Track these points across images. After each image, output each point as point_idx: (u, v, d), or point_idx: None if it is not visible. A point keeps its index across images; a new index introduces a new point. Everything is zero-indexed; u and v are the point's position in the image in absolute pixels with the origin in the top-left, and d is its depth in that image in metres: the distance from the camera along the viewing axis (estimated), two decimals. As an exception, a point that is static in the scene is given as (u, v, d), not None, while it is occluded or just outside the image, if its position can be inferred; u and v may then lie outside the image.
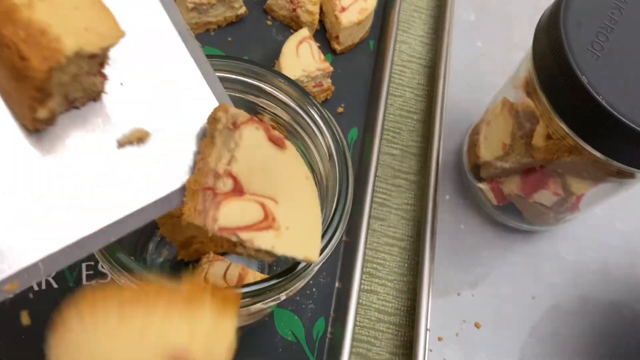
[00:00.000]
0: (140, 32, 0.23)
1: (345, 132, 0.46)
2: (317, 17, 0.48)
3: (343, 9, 0.47)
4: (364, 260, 0.41)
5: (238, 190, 0.24)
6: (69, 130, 0.22)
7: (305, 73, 0.43)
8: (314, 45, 0.45)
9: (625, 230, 0.46)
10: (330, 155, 0.28)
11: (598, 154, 0.31)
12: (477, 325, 0.41)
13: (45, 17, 0.19)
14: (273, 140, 0.24)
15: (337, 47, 0.49)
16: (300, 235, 0.24)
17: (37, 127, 0.21)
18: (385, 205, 0.45)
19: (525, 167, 0.38)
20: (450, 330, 0.40)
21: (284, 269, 0.25)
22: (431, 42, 0.53)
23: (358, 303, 0.39)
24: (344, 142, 0.28)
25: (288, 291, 0.25)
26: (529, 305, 0.42)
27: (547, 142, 0.34)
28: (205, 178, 0.23)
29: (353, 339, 0.38)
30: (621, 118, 0.28)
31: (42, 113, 0.20)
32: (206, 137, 0.24)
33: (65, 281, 0.37)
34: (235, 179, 0.24)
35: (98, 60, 0.21)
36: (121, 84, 0.23)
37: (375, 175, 0.44)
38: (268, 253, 0.23)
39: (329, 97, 0.47)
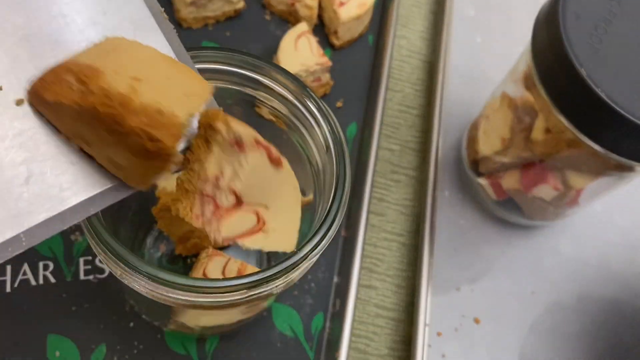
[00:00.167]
0: (115, 15, 0.24)
1: (344, 127, 0.46)
2: (315, 11, 0.48)
3: (342, 4, 0.46)
4: (362, 255, 0.40)
5: (238, 203, 0.27)
6: None
7: (303, 67, 0.43)
8: (313, 40, 0.45)
9: (625, 225, 0.45)
10: (328, 147, 0.28)
11: (597, 147, 0.31)
12: (476, 321, 0.41)
13: (153, 97, 0.21)
14: (272, 160, 0.27)
15: (336, 42, 0.48)
16: (283, 233, 0.28)
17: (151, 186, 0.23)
18: (384, 200, 0.45)
19: (525, 161, 0.38)
20: (450, 325, 0.40)
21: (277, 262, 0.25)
22: (430, 37, 0.53)
23: (357, 298, 0.39)
24: (341, 135, 0.28)
25: (285, 282, 0.24)
26: (529, 301, 0.42)
27: (546, 136, 0.34)
28: (204, 184, 0.25)
29: (352, 334, 0.38)
30: (620, 111, 0.28)
31: (164, 175, 0.23)
32: (196, 136, 0.25)
33: (63, 276, 0.37)
34: (237, 195, 0.27)
35: None
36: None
37: (374, 170, 0.44)
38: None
39: (327, 92, 0.47)
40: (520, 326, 0.41)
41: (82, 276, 0.37)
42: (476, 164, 0.43)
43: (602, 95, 0.29)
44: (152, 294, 0.24)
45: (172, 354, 0.36)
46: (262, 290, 0.24)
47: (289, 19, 0.49)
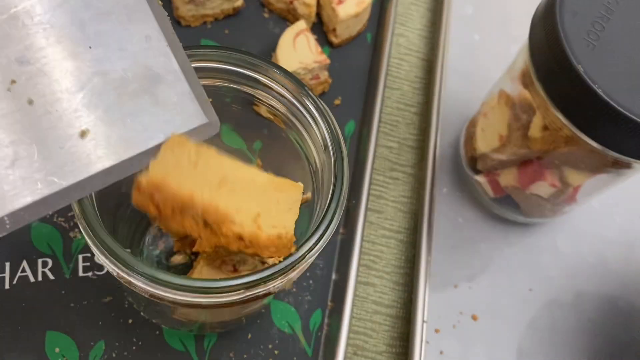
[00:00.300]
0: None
1: (343, 125, 0.46)
2: (314, 9, 0.48)
3: (340, 2, 0.46)
4: (360, 252, 0.41)
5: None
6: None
7: (302, 65, 0.43)
8: (311, 38, 0.45)
9: (623, 223, 0.46)
10: (326, 145, 0.28)
11: (594, 144, 0.31)
12: (474, 318, 0.41)
13: (273, 224, 0.26)
14: None
15: (335, 40, 0.49)
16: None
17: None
18: (382, 197, 0.45)
19: (522, 158, 0.38)
20: (447, 322, 0.40)
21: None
22: (429, 35, 0.53)
23: (355, 295, 0.39)
24: (339, 133, 0.28)
25: (283, 282, 0.25)
26: (526, 298, 0.42)
27: (543, 133, 0.34)
28: (223, 257, 0.30)
29: (350, 331, 0.38)
30: (617, 107, 0.28)
31: None
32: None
33: (62, 273, 0.37)
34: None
35: None
36: (89, 47, 0.23)
37: (372, 168, 0.44)
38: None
39: (326, 90, 0.47)
40: (517, 323, 0.41)
41: (80, 273, 0.37)
42: (474, 162, 0.43)
43: (600, 92, 0.29)
44: (149, 294, 0.24)
45: (170, 350, 0.36)
46: (260, 290, 0.24)
47: (287, 17, 0.49)
